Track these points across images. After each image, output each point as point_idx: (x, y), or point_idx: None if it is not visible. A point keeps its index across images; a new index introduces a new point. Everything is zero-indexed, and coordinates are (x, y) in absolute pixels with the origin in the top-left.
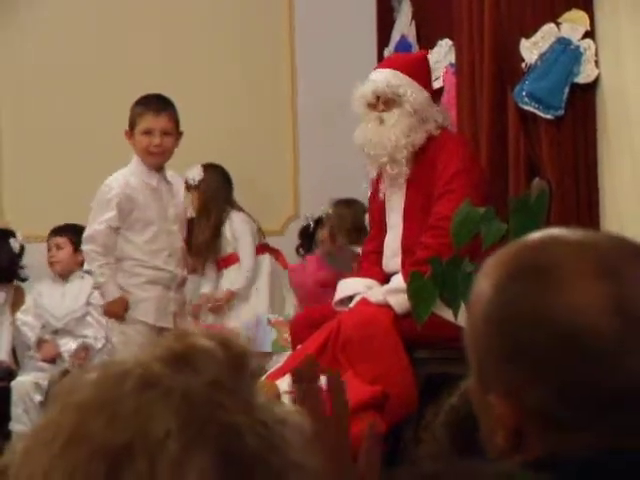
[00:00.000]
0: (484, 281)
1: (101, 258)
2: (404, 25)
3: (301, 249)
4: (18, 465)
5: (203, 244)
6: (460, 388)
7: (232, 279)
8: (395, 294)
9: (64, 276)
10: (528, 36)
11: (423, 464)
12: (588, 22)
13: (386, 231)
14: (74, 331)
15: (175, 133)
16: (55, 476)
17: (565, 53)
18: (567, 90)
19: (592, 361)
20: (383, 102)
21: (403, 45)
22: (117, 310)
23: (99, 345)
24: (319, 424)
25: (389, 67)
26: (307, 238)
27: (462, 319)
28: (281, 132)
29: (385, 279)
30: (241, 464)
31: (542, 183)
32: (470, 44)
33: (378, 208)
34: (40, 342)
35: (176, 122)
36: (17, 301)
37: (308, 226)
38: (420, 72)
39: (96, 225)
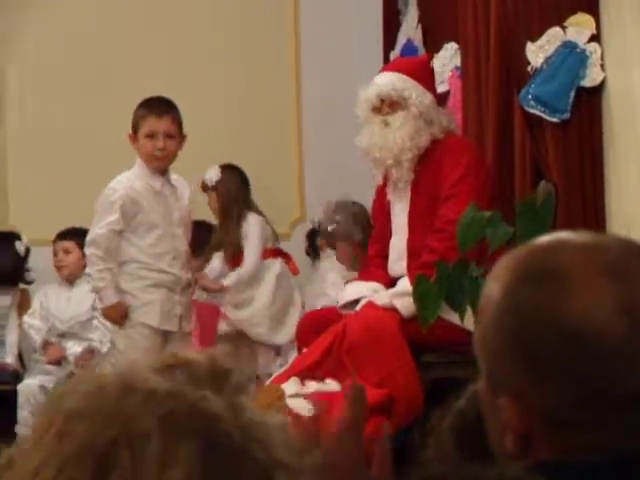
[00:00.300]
0: (493, 285)
1: (101, 263)
2: (410, 28)
3: (311, 250)
4: (6, 470)
5: (235, 245)
6: (467, 391)
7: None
8: (401, 297)
9: (71, 280)
10: (534, 39)
11: (429, 467)
12: (594, 26)
13: (391, 234)
14: (80, 334)
15: (178, 136)
16: (46, 471)
17: (571, 56)
18: (573, 93)
19: (602, 363)
20: (388, 105)
21: (409, 48)
22: (114, 315)
23: (105, 349)
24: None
25: (393, 70)
26: (315, 241)
27: (468, 323)
28: (285, 134)
29: (390, 283)
30: (227, 455)
31: (548, 186)
32: (476, 48)
33: (383, 211)
34: (46, 344)
35: (179, 124)
36: (23, 304)
37: (315, 229)
38: (424, 75)
39: (98, 229)
